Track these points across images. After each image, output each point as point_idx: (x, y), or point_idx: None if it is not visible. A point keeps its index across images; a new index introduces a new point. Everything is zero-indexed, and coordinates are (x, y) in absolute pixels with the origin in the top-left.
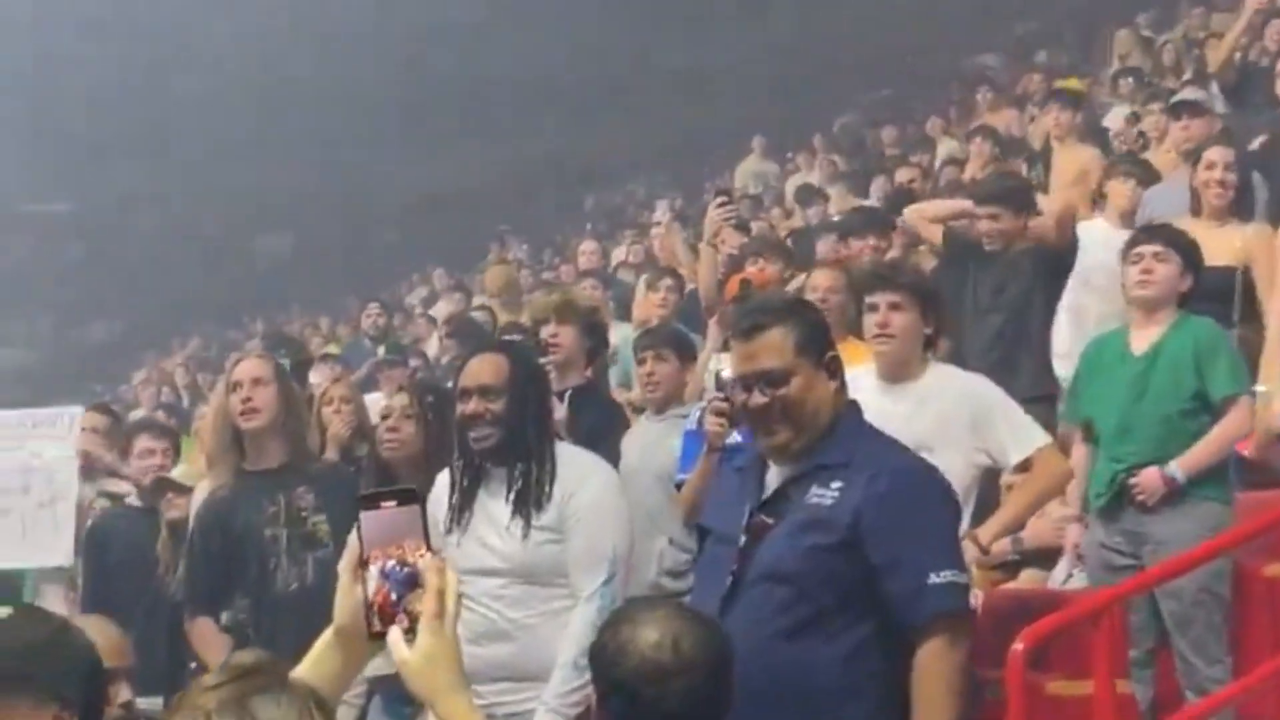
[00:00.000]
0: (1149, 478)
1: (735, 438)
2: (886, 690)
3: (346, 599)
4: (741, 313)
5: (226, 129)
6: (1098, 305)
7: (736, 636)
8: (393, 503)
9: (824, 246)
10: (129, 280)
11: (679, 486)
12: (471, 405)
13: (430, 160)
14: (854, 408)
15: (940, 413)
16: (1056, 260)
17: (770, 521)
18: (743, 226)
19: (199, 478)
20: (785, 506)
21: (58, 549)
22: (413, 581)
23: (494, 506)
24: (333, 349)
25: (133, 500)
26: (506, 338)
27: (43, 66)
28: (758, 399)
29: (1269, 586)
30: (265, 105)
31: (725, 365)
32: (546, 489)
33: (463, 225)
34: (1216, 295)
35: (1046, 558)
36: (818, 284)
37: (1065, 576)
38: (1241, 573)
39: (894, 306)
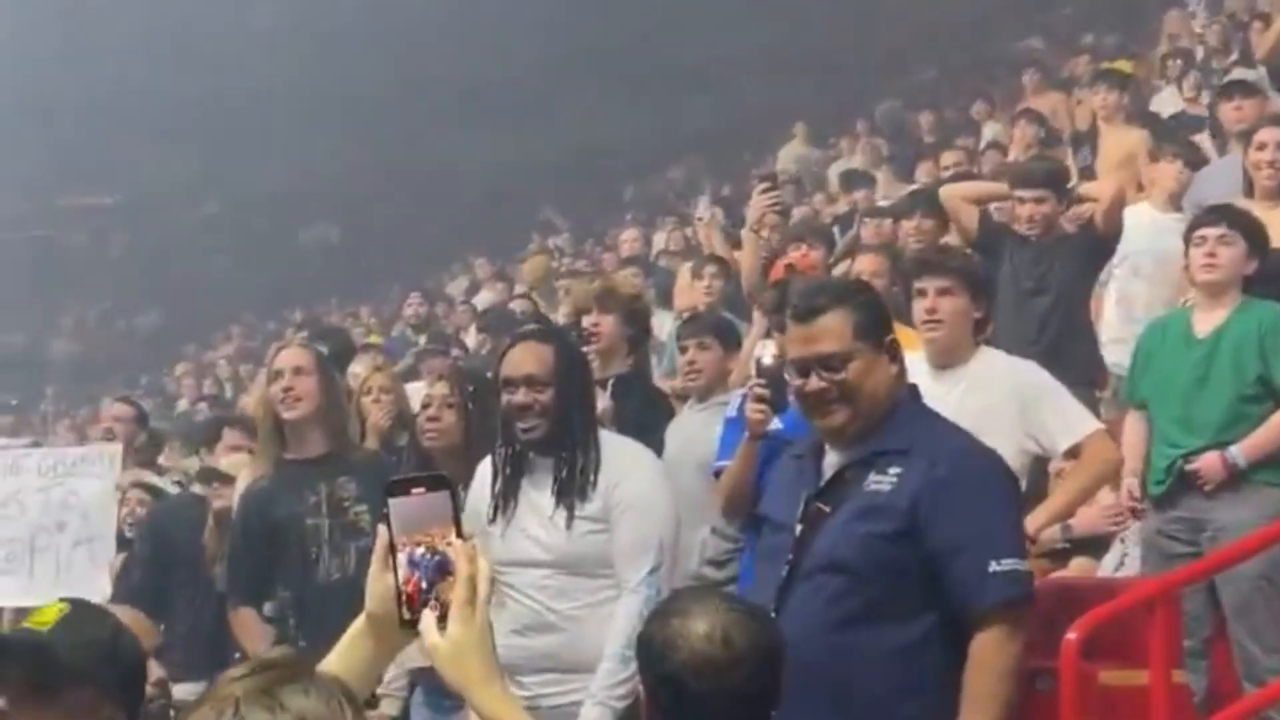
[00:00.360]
0: (1209, 462)
1: (777, 425)
2: (944, 684)
3: (377, 586)
4: (799, 295)
5: (269, 121)
6: (1146, 291)
7: (792, 626)
8: (422, 489)
9: (869, 231)
10: (173, 272)
11: (717, 474)
12: (519, 396)
13: (470, 150)
14: (914, 393)
15: (989, 399)
16: (1100, 245)
17: (827, 509)
18: (786, 213)
19: (241, 467)
20: (843, 494)
21: (93, 587)
22: (443, 569)
23: (538, 497)
24: (374, 339)
25: (196, 488)
26: (530, 326)
27: (86, 59)
28: (815, 384)
29: None
30: (307, 97)
31: (766, 351)
32: (591, 479)
33: (504, 215)
34: (1269, 278)
35: (1097, 545)
36: (863, 269)
37: (1116, 564)
38: None
39: (943, 292)
